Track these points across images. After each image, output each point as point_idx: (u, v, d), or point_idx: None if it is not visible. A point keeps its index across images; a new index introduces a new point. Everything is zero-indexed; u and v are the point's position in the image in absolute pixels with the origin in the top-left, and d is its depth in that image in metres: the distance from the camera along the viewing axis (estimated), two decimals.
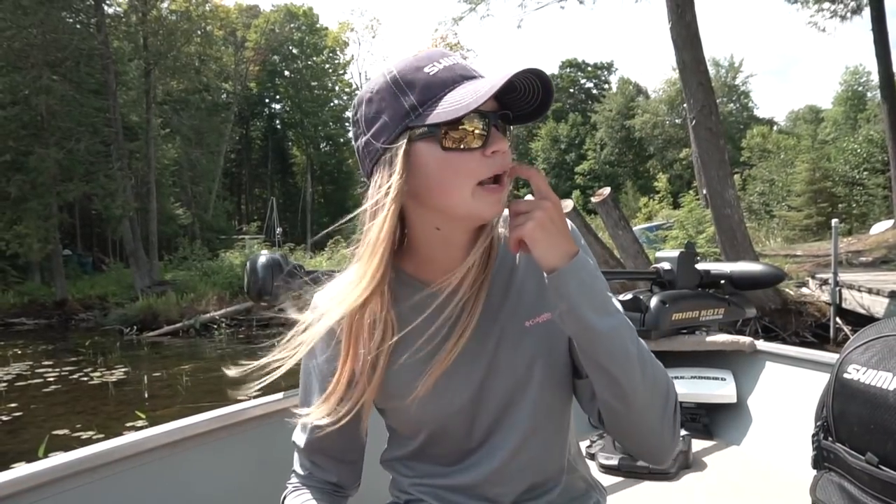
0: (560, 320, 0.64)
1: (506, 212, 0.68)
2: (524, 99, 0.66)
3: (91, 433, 4.89)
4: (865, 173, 17.02)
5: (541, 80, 0.63)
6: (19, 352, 9.51)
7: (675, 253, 1.91)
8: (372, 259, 0.64)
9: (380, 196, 0.64)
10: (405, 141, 0.64)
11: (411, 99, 0.64)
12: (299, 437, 0.79)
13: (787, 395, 1.68)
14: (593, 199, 5.49)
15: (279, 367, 0.69)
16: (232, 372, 0.73)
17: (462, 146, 0.63)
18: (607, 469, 1.63)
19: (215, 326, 11.79)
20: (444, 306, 0.68)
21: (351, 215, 0.69)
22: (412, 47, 49.85)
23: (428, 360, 0.69)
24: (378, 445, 0.84)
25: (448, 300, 0.68)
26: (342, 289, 0.68)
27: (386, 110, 0.65)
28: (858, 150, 17.78)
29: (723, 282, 1.95)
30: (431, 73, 0.64)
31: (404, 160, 0.64)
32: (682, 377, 1.81)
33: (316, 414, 0.70)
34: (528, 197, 0.67)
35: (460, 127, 0.63)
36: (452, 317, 0.68)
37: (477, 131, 0.63)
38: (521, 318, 0.72)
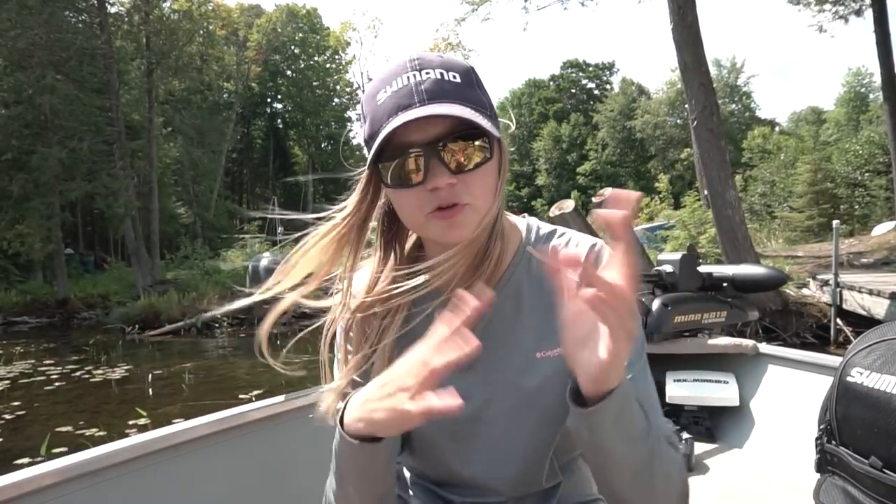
0: (577, 439, 0.59)
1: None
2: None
3: (94, 430, 4.90)
4: (867, 175, 16.96)
5: (454, 119, 0.59)
6: (21, 350, 9.52)
7: (678, 255, 1.91)
8: (334, 242, 0.69)
9: (348, 203, 0.69)
10: (367, 170, 0.66)
11: (365, 131, 0.65)
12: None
13: (789, 399, 1.68)
14: (594, 200, 5.48)
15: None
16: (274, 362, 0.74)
17: (402, 183, 0.63)
18: None
19: (217, 325, 11.81)
20: (428, 302, 0.68)
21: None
22: (414, 47, 49.75)
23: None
24: None
25: (430, 298, 0.68)
26: (357, 291, 0.71)
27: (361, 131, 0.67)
28: (860, 152, 17.72)
29: (725, 284, 1.95)
30: (379, 103, 0.62)
31: (367, 184, 0.68)
32: (684, 380, 1.81)
33: (330, 394, 0.71)
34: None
35: (402, 162, 0.62)
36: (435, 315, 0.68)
37: (416, 166, 0.61)
38: (532, 349, 0.70)
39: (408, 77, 0.61)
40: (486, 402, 0.70)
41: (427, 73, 0.62)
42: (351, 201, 0.69)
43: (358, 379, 0.70)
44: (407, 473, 0.82)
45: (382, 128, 0.61)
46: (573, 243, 0.74)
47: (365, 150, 0.66)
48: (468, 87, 0.63)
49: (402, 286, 0.67)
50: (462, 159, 0.62)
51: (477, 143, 0.62)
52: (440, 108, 0.59)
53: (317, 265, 0.69)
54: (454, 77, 0.62)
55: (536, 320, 0.70)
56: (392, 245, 0.72)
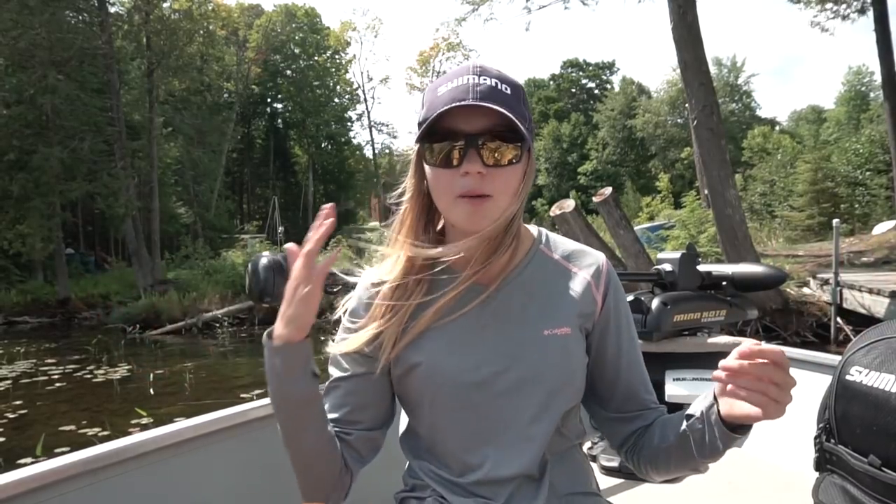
0: (709, 451, 0.72)
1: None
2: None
3: (97, 429, 4.92)
4: (868, 173, 16.96)
5: (497, 113, 0.69)
6: (23, 350, 9.54)
7: (677, 254, 1.91)
8: (396, 244, 0.79)
9: (407, 189, 0.79)
10: (417, 148, 0.76)
11: (421, 116, 0.75)
12: (327, 390, 0.82)
13: None
14: (595, 199, 5.48)
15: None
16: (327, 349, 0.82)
17: (441, 163, 0.73)
18: (609, 471, 1.63)
19: (217, 325, 11.83)
20: (447, 284, 0.76)
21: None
22: (414, 47, 49.86)
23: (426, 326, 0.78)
24: (392, 439, 0.86)
25: (450, 280, 0.76)
26: (383, 268, 0.81)
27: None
28: (861, 151, 17.72)
29: (724, 283, 1.95)
30: (439, 94, 0.72)
31: (417, 164, 0.77)
32: (683, 379, 1.81)
33: (344, 347, 0.79)
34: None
35: (445, 145, 0.72)
36: (448, 291, 0.76)
37: (456, 151, 0.71)
38: (541, 326, 0.77)
39: (467, 79, 0.72)
40: (497, 372, 0.76)
41: (484, 80, 0.72)
42: (409, 182, 0.79)
43: (367, 351, 0.78)
44: (407, 463, 0.85)
45: (436, 112, 0.71)
46: (581, 254, 0.83)
47: (414, 133, 0.77)
48: (516, 100, 0.73)
49: (428, 260, 0.77)
50: (495, 156, 0.72)
51: (510, 146, 0.72)
52: (488, 105, 0.69)
53: (404, 246, 0.78)
54: (506, 89, 0.73)
55: (545, 305, 0.79)
56: (427, 229, 0.80)
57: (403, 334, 0.77)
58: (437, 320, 0.77)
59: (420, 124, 0.74)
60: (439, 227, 0.82)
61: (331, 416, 0.80)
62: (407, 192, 0.79)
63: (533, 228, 0.85)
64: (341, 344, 0.80)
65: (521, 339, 0.77)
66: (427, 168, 0.75)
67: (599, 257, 0.83)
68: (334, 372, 0.82)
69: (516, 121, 0.70)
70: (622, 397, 0.84)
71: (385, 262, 0.81)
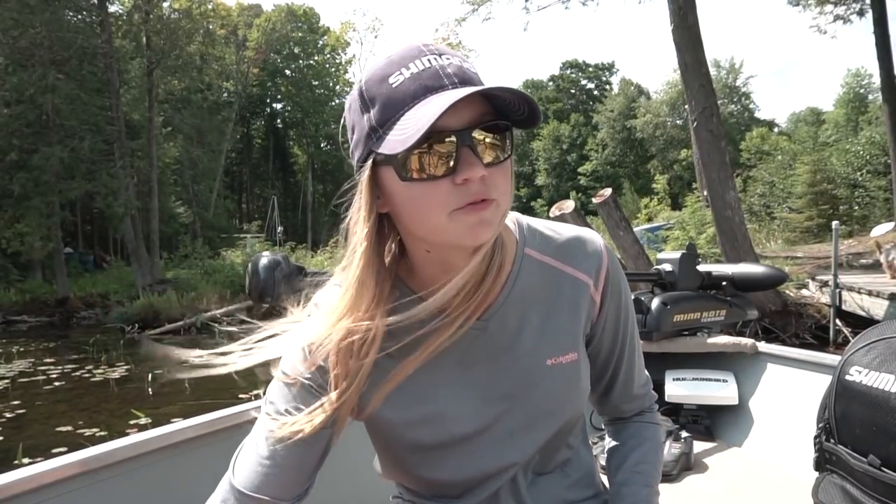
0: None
1: None
2: (512, 107, 0.56)
3: (95, 430, 4.91)
4: (867, 175, 16.99)
5: (513, 94, 0.53)
6: (21, 349, 9.51)
7: (677, 254, 1.91)
8: (360, 286, 0.60)
9: (354, 221, 0.59)
10: (370, 164, 0.56)
11: (372, 118, 0.56)
12: (253, 447, 0.66)
13: (788, 397, 1.68)
14: (594, 201, 5.48)
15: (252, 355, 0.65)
16: (193, 357, 0.66)
17: (426, 174, 0.54)
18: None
19: (216, 325, 11.82)
20: (428, 325, 0.61)
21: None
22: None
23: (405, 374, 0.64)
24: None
25: (433, 319, 0.60)
26: (336, 308, 0.61)
27: (356, 125, 0.58)
28: (860, 153, 17.75)
29: (724, 283, 1.96)
30: (394, 86, 0.54)
31: (370, 186, 0.57)
32: (683, 379, 1.81)
33: (293, 426, 0.62)
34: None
35: (428, 149, 0.54)
36: (435, 334, 0.61)
37: (444, 155, 0.54)
38: (543, 357, 0.67)
39: (428, 60, 0.55)
40: (497, 416, 0.67)
41: (447, 59, 0.56)
42: (359, 212, 0.58)
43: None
44: (396, 490, 0.78)
45: (407, 110, 0.53)
46: (574, 246, 0.70)
47: (357, 145, 0.58)
48: (480, 77, 0.58)
49: (407, 316, 0.59)
50: (491, 151, 0.56)
51: (501, 135, 0.56)
52: (481, 90, 0.52)
53: (355, 301, 0.61)
54: (471, 67, 0.57)
55: (544, 326, 0.67)
56: (388, 267, 0.63)
57: (371, 394, 0.63)
58: (416, 368, 0.62)
59: (375, 129, 0.55)
60: (387, 259, 0.65)
61: (239, 482, 0.64)
62: (358, 227, 0.58)
63: (510, 222, 0.69)
64: (278, 429, 0.62)
65: (522, 375, 0.66)
66: (397, 186, 0.56)
67: (595, 245, 0.70)
68: (267, 423, 0.64)
69: (525, 97, 0.53)
70: (614, 388, 0.78)
71: (328, 309, 0.61)
